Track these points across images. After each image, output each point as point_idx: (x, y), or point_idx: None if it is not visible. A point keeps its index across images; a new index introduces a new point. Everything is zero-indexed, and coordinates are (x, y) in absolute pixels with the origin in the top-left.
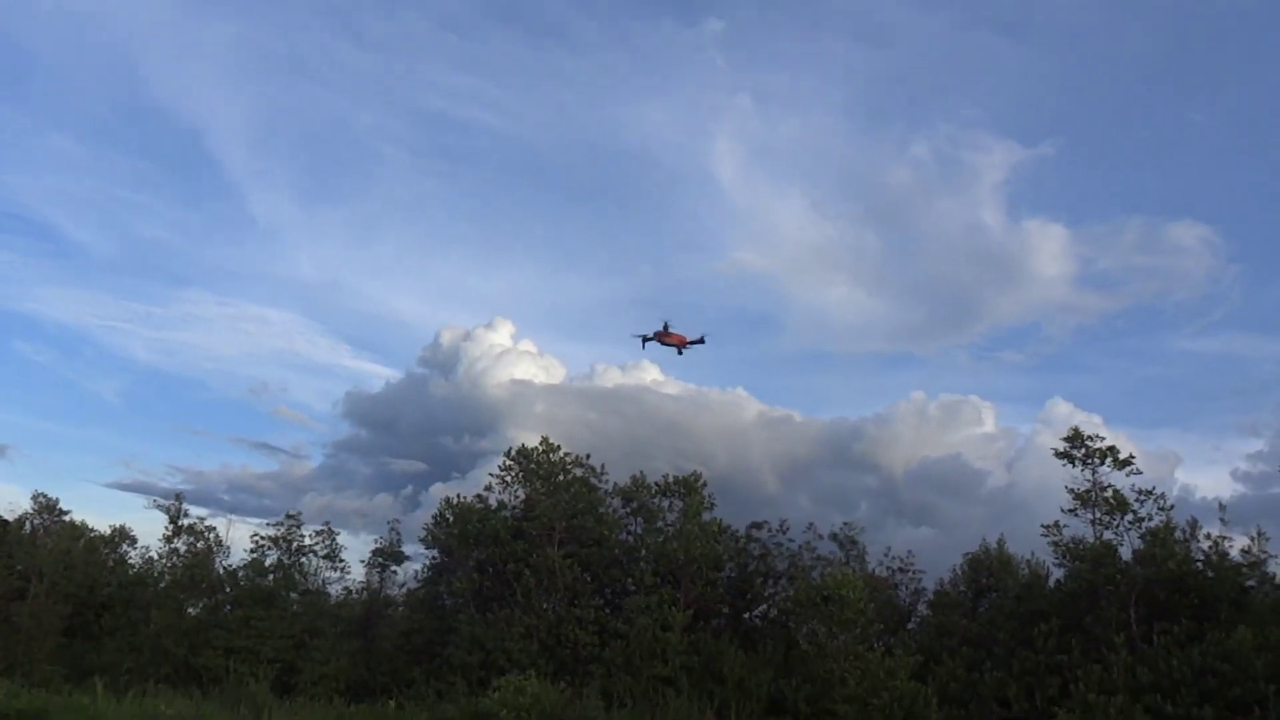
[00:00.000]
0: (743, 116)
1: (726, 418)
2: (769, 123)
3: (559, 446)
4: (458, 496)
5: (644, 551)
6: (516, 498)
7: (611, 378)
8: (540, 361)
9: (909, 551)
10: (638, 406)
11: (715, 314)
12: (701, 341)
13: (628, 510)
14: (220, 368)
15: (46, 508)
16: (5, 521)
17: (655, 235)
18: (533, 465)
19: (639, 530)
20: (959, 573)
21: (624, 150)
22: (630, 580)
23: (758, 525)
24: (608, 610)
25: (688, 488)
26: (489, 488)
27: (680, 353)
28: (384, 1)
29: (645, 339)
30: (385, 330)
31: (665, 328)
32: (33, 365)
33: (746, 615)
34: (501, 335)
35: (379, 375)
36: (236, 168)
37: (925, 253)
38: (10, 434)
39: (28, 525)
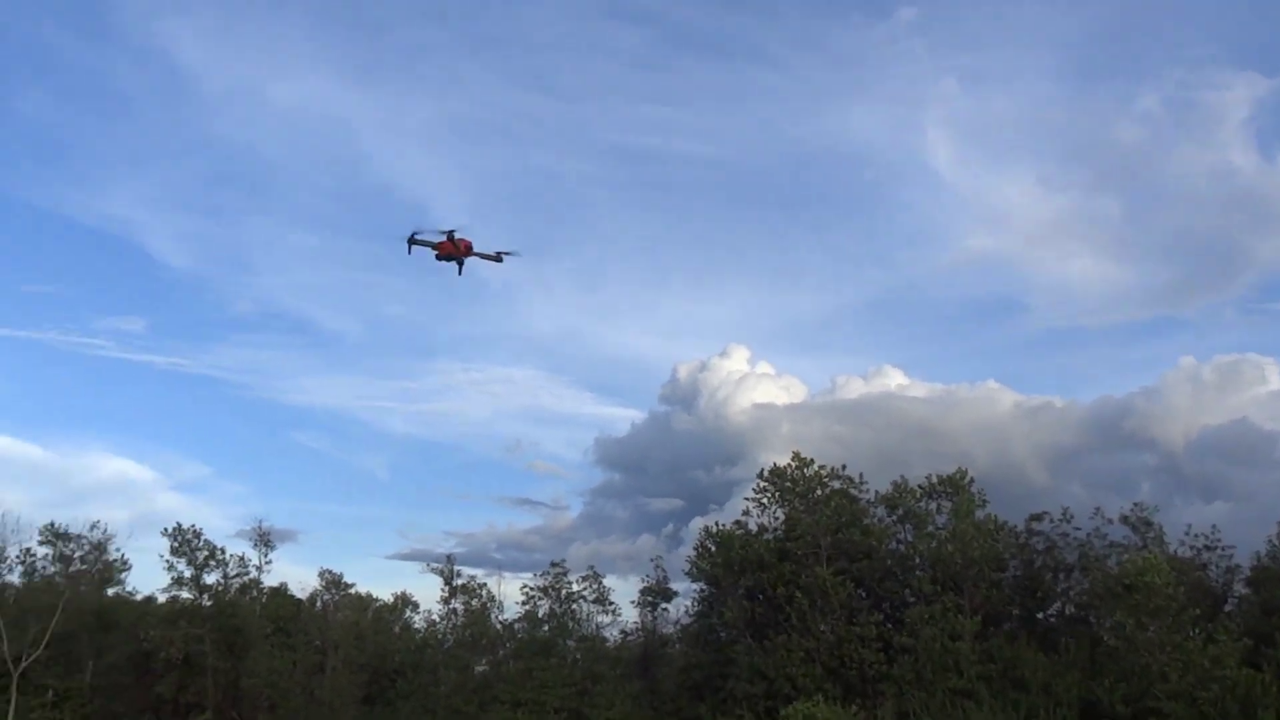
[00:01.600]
0: (950, 100)
1: (980, 413)
2: (979, 102)
3: (812, 461)
4: (716, 525)
5: (918, 559)
6: (776, 519)
7: (854, 389)
8: (779, 382)
9: (1213, 527)
10: (885, 415)
11: (953, 308)
12: (498, 259)
13: (893, 518)
14: (475, 430)
15: (333, 583)
16: (299, 601)
17: (878, 236)
18: (788, 484)
19: (909, 537)
20: (1277, 543)
21: (833, 155)
22: (908, 591)
23: (1037, 517)
24: (889, 625)
25: (954, 486)
26: (746, 512)
27: (460, 269)
28: (572, 54)
29: (412, 241)
30: (623, 372)
31: (450, 235)
32: (310, 452)
33: (1040, 615)
34: (737, 361)
35: (623, 418)
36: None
37: (1170, 208)
38: (298, 520)
39: (318, 602)
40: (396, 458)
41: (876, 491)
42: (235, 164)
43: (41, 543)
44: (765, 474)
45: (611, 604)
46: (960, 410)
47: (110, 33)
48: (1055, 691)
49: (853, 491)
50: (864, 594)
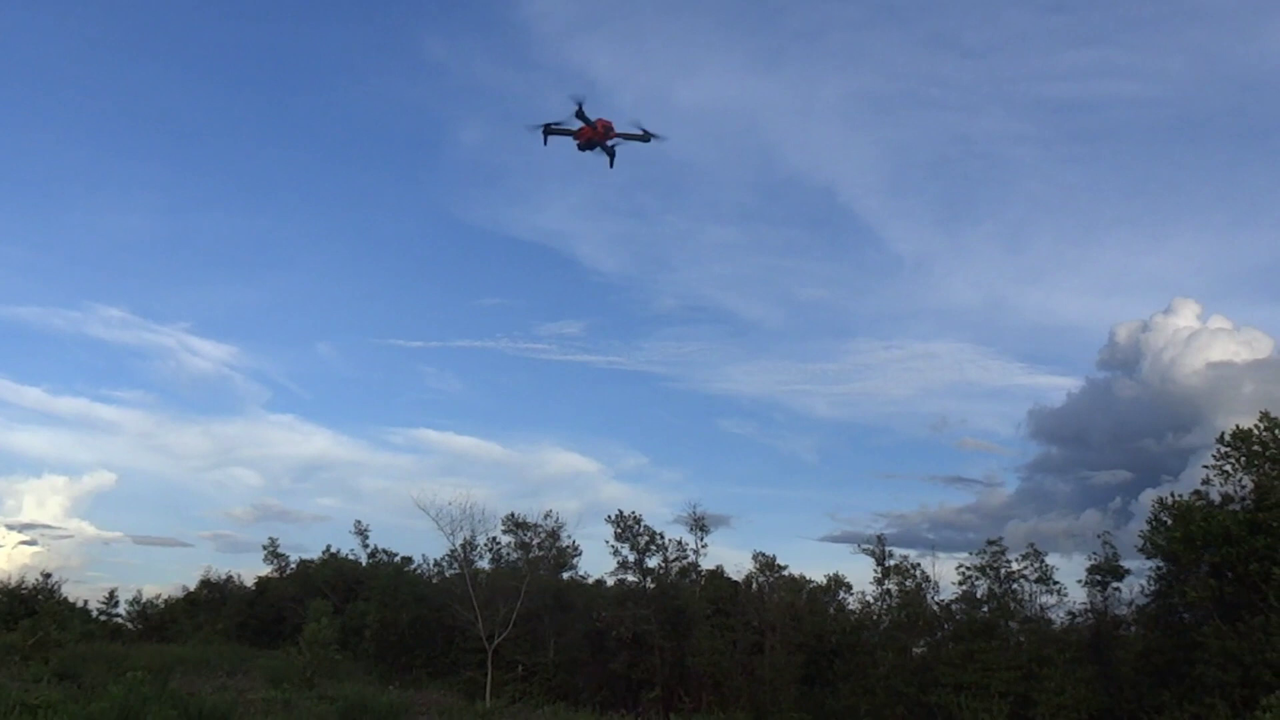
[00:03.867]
0: None
1: None
2: None
3: None
4: (1172, 496)
5: None
6: (1243, 488)
7: None
8: (1239, 337)
9: None
10: None
11: None
12: (645, 138)
13: None
14: (899, 410)
15: (767, 566)
16: (735, 583)
17: None
18: (1255, 447)
19: None
20: None
21: None
22: None
23: None
24: None
25: None
26: (1207, 481)
27: (611, 160)
28: (977, 9)
29: (548, 131)
30: (1054, 338)
31: (587, 120)
32: (737, 439)
33: None
34: (1185, 317)
35: (1058, 387)
36: (873, 213)
37: None
38: (731, 505)
39: (754, 584)
40: (822, 440)
41: None
42: (651, 167)
43: (504, 532)
44: (1226, 438)
45: (1056, 584)
46: None
47: (532, 59)
48: None
49: None
50: None
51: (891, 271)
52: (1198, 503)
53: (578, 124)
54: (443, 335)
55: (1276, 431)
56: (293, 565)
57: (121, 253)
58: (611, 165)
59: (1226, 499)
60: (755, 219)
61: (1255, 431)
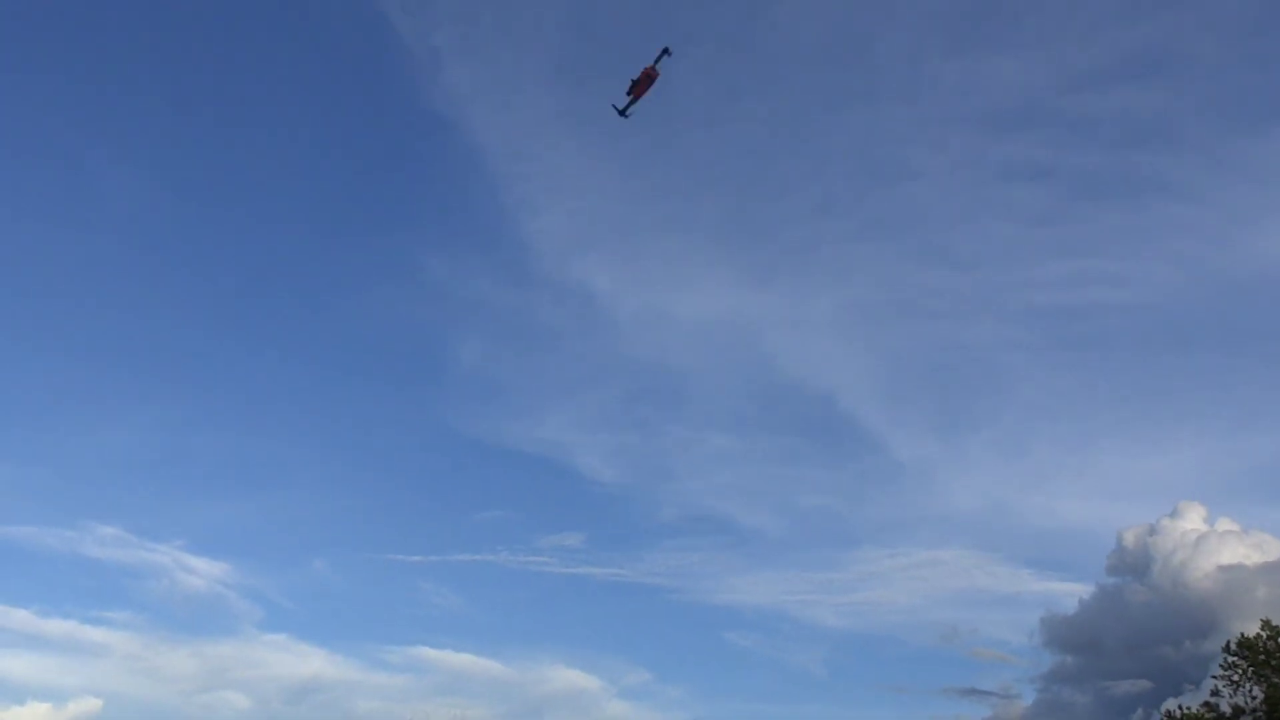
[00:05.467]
0: None
1: None
2: None
3: None
4: (1179, 709)
5: None
6: (1253, 698)
7: None
8: (1247, 540)
9: None
10: None
11: None
12: (666, 53)
13: None
14: (906, 619)
15: None
16: None
17: None
18: (1261, 656)
19: None
20: None
21: (1268, 278)
22: None
23: None
24: None
25: None
26: (1216, 692)
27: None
28: (968, 223)
29: (624, 107)
30: (1061, 543)
31: (647, 72)
32: (743, 651)
33: None
34: (1192, 520)
35: (1068, 593)
36: (872, 421)
37: None
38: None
39: None
40: (829, 652)
41: None
42: (651, 379)
43: None
44: (1232, 646)
45: None
46: None
47: (531, 276)
48: None
49: None
50: None
51: (893, 479)
52: (1208, 715)
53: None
54: (441, 549)
55: (1279, 639)
56: None
57: (119, 470)
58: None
59: (1237, 710)
60: (755, 428)
61: (1259, 639)
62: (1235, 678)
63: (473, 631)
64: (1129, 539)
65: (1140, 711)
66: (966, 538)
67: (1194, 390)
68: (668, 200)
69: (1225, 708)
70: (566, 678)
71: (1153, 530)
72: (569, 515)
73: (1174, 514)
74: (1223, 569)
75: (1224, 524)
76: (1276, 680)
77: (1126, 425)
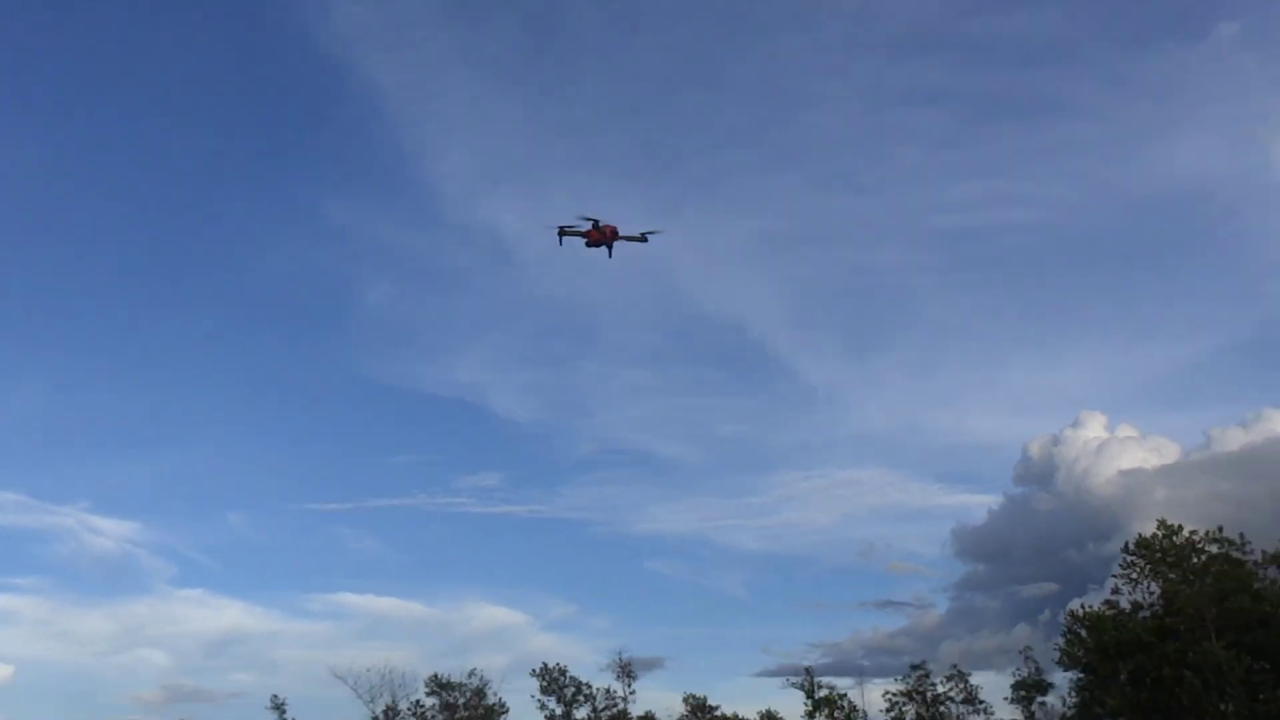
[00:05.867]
0: None
1: None
2: None
3: (1181, 527)
4: (1083, 608)
5: None
6: (1151, 594)
7: (1234, 440)
8: (1146, 444)
9: None
10: (1276, 464)
11: None
12: (643, 239)
13: None
14: (825, 538)
15: (699, 707)
16: None
17: (1235, 271)
18: (1158, 555)
19: None
20: None
21: (1166, 194)
22: None
23: None
24: None
25: None
26: (1116, 591)
27: (610, 252)
28: (873, 148)
29: (562, 232)
30: (969, 457)
31: (595, 223)
32: (666, 579)
33: None
34: (1094, 429)
35: (978, 504)
36: (784, 346)
37: None
38: (663, 646)
39: None
40: (751, 575)
41: (1264, 551)
42: (562, 317)
43: (429, 694)
44: (1130, 547)
45: (982, 703)
46: None
47: (437, 218)
48: None
49: (1235, 554)
50: (1265, 666)
51: (806, 403)
52: (1109, 612)
53: (586, 225)
54: (358, 496)
55: (1175, 538)
56: None
57: (14, 434)
58: (610, 256)
59: (1136, 606)
60: (667, 360)
61: (1156, 539)
62: (1134, 576)
63: (394, 575)
64: (1034, 449)
65: (1047, 613)
66: (879, 457)
67: (1094, 305)
68: (572, 136)
69: (1125, 604)
70: (491, 615)
71: (1056, 440)
72: (485, 455)
73: (1076, 424)
74: (1123, 474)
75: (1124, 430)
76: (1173, 577)
77: (1030, 341)
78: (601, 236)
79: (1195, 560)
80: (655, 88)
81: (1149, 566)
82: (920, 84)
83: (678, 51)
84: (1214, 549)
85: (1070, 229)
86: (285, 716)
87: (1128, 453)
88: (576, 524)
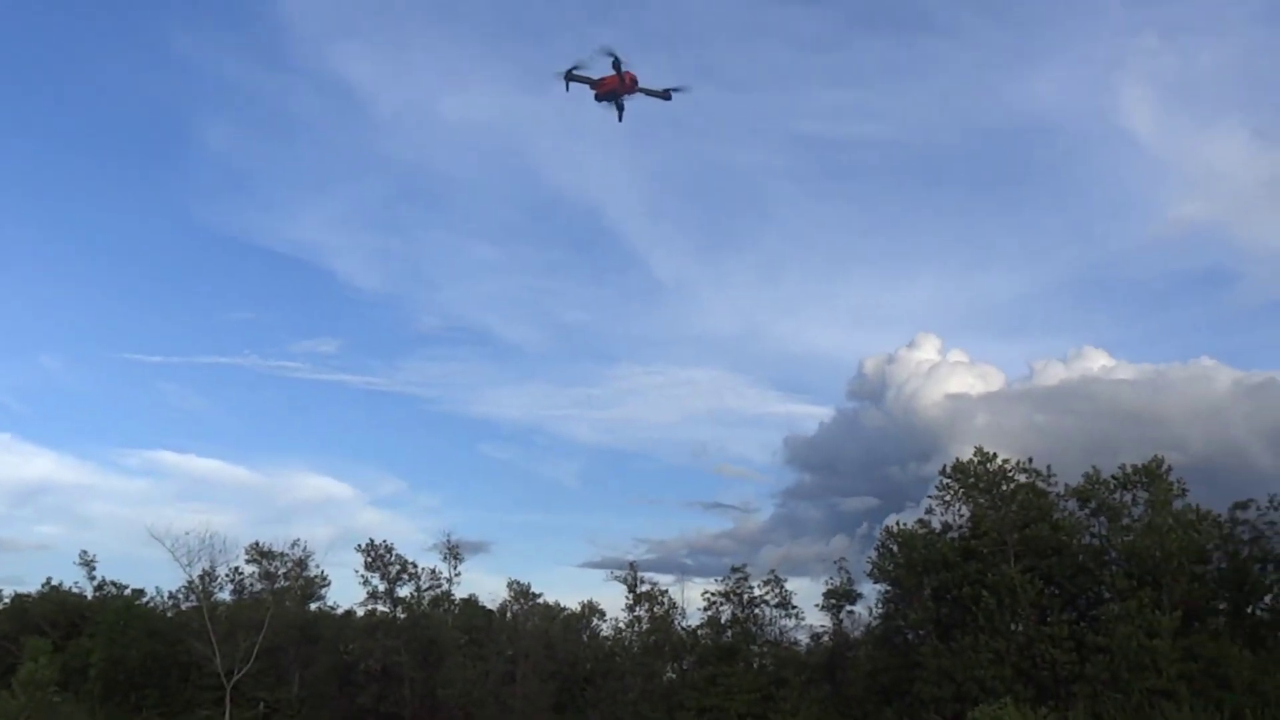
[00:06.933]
0: (1150, 56)
1: (1195, 394)
2: (1184, 56)
3: (995, 455)
4: (898, 524)
5: (1112, 554)
6: (961, 517)
7: (1054, 374)
8: (974, 370)
9: None
10: (1089, 400)
11: (1160, 282)
12: (667, 96)
13: (1085, 511)
14: (661, 435)
15: (522, 594)
16: (490, 612)
17: (1074, 209)
18: (971, 479)
19: (1102, 531)
20: None
21: (1020, 126)
22: (1102, 587)
23: (1242, 505)
24: (1082, 623)
25: (1150, 476)
26: (930, 511)
27: (621, 113)
28: (740, 44)
29: (569, 77)
30: (808, 368)
31: (617, 63)
32: (498, 463)
33: (1249, 609)
34: (927, 351)
35: (811, 415)
36: (637, 237)
37: None
38: (491, 531)
39: (508, 613)
40: (584, 466)
41: (1067, 484)
42: (413, 180)
43: (248, 561)
44: (948, 470)
45: (794, 608)
46: (1171, 392)
47: (287, 61)
48: (1263, 691)
49: (1040, 485)
50: (1055, 591)
51: (654, 297)
52: (921, 531)
53: (597, 75)
54: (185, 350)
55: (989, 465)
56: (6, 599)
57: None
58: (620, 120)
59: (946, 527)
60: (519, 238)
61: (971, 464)
62: (947, 498)
63: (218, 436)
64: (869, 366)
65: (865, 526)
66: (720, 359)
67: (939, 228)
68: None
69: (936, 524)
70: (317, 485)
71: (891, 359)
72: (323, 320)
73: (911, 344)
74: (950, 397)
75: (955, 355)
76: (982, 501)
77: (876, 258)
78: (620, 85)
79: (1004, 487)
80: None
81: (962, 490)
82: None
83: None
84: (1022, 478)
85: (924, 149)
86: (95, 573)
87: (956, 377)
88: (412, 400)
